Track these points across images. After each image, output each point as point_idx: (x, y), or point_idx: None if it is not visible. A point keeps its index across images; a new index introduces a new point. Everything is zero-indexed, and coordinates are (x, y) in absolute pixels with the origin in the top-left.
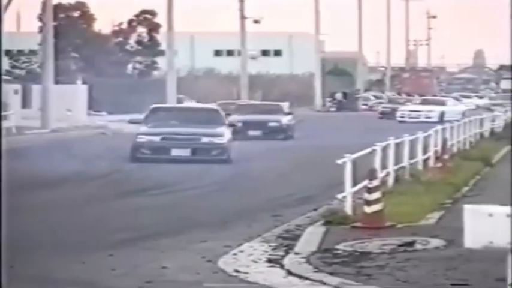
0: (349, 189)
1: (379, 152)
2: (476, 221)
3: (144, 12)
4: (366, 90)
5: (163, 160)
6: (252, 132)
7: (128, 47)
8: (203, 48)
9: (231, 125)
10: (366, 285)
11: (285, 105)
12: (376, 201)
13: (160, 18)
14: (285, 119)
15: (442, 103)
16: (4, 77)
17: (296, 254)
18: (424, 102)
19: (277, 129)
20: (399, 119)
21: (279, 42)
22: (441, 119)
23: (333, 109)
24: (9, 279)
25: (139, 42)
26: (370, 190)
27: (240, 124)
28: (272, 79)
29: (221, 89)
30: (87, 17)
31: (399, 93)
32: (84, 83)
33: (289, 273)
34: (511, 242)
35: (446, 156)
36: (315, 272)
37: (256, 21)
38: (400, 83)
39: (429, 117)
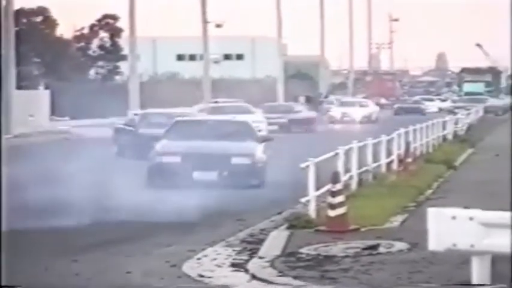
0: (312, 193)
1: (342, 155)
2: (440, 224)
3: (106, 16)
4: (327, 95)
5: None
6: (199, 175)
7: (90, 51)
8: (165, 52)
9: None
10: None
11: (257, 115)
12: (340, 204)
13: (123, 23)
14: (260, 150)
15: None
16: None
17: (260, 258)
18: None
19: (246, 170)
20: None
21: (241, 46)
22: None
23: None
24: None
25: (101, 47)
26: (333, 193)
27: (176, 159)
28: (235, 83)
29: (184, 94)
30: (49, 22)
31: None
32: (46, 88)
33: (254, 277)
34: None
35: (409, 159)
36: (279, 276)
37: (218, 25)
38: (363, 86)
39: None
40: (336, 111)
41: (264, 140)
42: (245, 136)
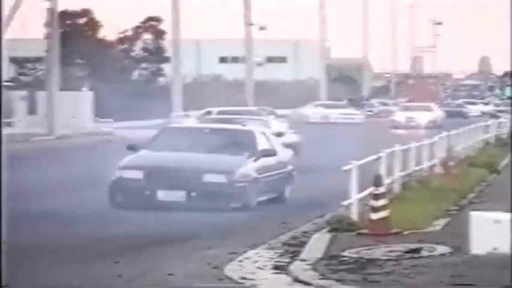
0: (355, 196)
1: (384, 158)
2: (482, 228)
3: (150, 19)
4: (367, 98)
5: None
6: (164, 195)
7: (133, 53)
8: (209, 54)
9: None
10: None
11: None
12: (383, 207)
13: (166, 25)
14: (249, 167)
15: None
16: (10, 84)
17: (302, 260)
18: None
19: (220, 190)
20: None
21: (285, 48)
22: None
23: None
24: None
25: (145, 49)
26: (376, 197)
27: (138, 174)
28: (278, 86)
29: (227, 96)
30: (93, 24)
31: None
32: (90, 89)
33: (296, 280)
34: None
35: (452, 163)
36: (321, 278)
37: (261, 28)
38: (406, 89)
39: None
40: (399, 116)
41: (264, 154)
42: (238, 148)
